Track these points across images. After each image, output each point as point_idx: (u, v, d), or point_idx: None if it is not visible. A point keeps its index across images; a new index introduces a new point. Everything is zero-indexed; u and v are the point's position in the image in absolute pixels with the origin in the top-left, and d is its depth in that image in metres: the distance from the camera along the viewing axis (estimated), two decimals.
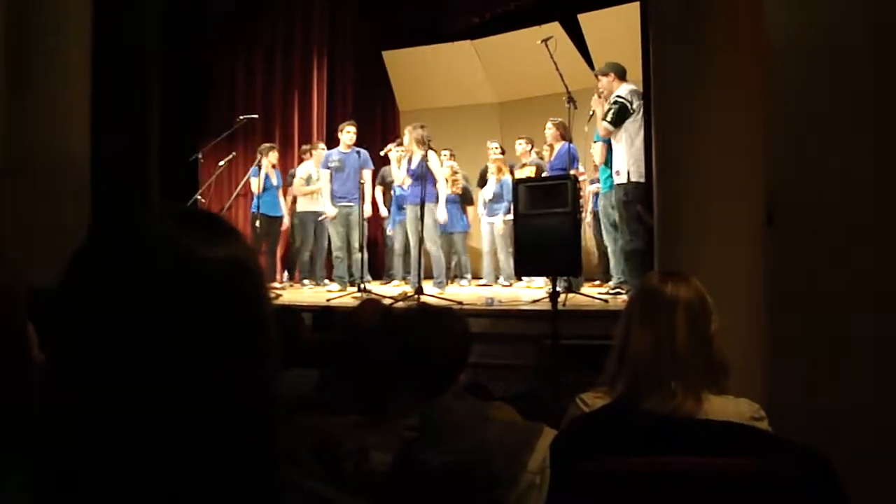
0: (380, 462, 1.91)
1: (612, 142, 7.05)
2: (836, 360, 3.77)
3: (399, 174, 8.73)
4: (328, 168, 8.74)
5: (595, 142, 7.77)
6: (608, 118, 6.88)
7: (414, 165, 8.14)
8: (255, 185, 8.94)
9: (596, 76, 7.42)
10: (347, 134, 8.84)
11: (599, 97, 7.29)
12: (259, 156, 9.08)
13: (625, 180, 6.79)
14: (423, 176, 7.97)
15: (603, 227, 7.59)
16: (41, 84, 5.01)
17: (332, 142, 11.30)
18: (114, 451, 0.73)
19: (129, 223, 0.80)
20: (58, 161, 5.03)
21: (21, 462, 0.88)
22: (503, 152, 9.41)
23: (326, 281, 9.50)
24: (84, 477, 0.73)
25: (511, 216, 8.28)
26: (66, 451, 0.74)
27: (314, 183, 9.36)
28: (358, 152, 8.83)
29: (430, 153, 8.15)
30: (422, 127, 8.30)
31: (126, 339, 0.74)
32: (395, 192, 9.48)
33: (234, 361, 0.78)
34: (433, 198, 8.15)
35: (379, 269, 10.54)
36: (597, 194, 8.37)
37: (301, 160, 10.00)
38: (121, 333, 0.74)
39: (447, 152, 9.81)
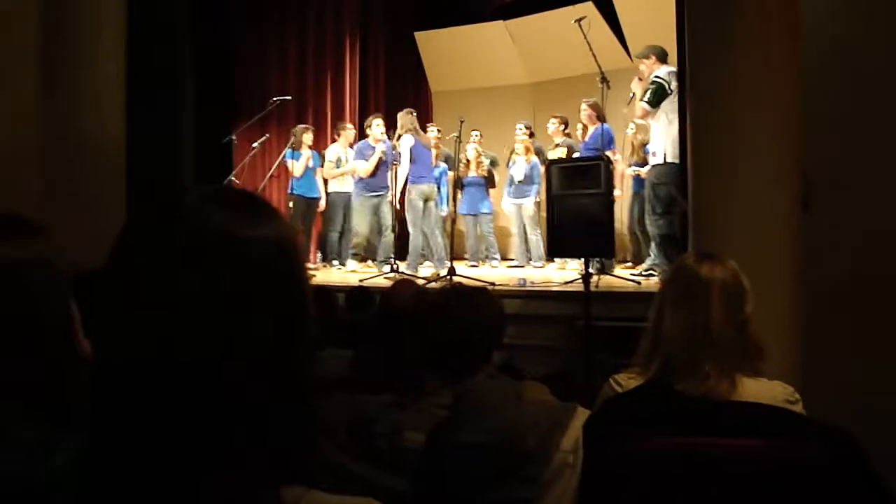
0: (413, 440, 1.92)
1: (651, 122, 6.99)
2: (872, 346, 3.74)
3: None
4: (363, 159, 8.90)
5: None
6: (646, 98, 6.82)
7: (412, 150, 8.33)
8: (292, 166, 8.95)
9: (633, 58, 7.36)
10: (378, 128, 8.94)
11: (640, 80, 7.24)
12: (293, 137, 9.11)
13: (661, 161, 6.73)
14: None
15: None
16: (76, 69, 5.07)
17: (363, 123, 11.33)
18: (158, 424, 0.75)
19: (170, 204, 0.82)
20: (94, 145, 5.09)
21: (68, 433, 0.90)
22: (531, 134, 9.35)
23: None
24: (131, 449, 0.75)
25: (541, 197, 8.33)
26: (113, 424, 0.76)
27: (343, 165, 9.41)
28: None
29: (406, 136, 8.23)
30: (410, 113, 8.55)
31: (170, 318, 0.75)
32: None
33: (275, 339, 0.80)
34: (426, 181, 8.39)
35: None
36: (638, 177, 8.32)
37: (334, 140, 10.03)
38: (165, 313, 0.75)
39: (476, 133, 9.82)
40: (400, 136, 8.45)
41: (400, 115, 8.52)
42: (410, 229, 8.31)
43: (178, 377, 0.75)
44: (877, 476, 1.77)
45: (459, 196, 9.62)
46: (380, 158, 8.69)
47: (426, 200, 8.28)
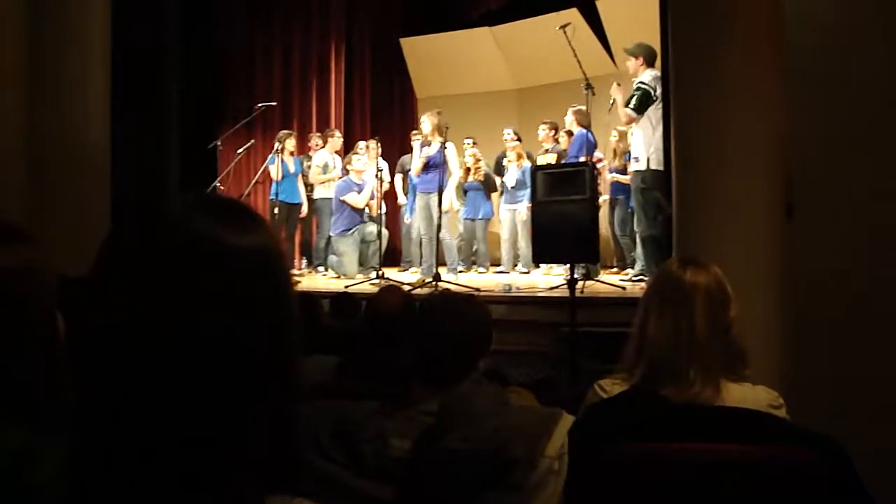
0: (399, 447, 1.92)
1: (634, 127, 6.99)
2: (855, 352, 3.76)
3: (415, 162, 8.75)
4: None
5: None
6: (631, 105, 6.80)
7: (433, 152, 8.16)
8: (275, 173, 8.95)
9: (623, 52, 7.30)
10: (358, 163, 9.17)
11: (619, 85, 7.24)
12: (277, 143, 9.11)
13: (643, 167, 6.75)
14: (441, 164, 8.10)
15: (635, 213, 7.49)
16: (62, 74, 5.04)
17: (348, 129, 11.35)
18: (142, 432, 0.75)
19: (155, 212, 0.82)
20: (79, 150, 5.07)
21: (56, 436, 0.90)
22: (519, 139, 9.37)
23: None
24: (114, 456, 0.75)
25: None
26: (96, 431, 0.76)
27: (330, 171, 9.42)
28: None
29: (449, 142, 8.21)
30: (439, 113, 8.36)
31: (155, 325, 0.75)
32: (411, 180, 9.51)
33: (261, 346, 0.79)
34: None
35: (396, 257, 10.56)
36: (617, 183, 8.32)
37: (309, 148, 10.00)
38: (150, 320, 0.75)
39: (470, 140, 9.83)
40: (437, 142, 8.34)
41: (429, 117, 8.34)
42: (446, 235, 8.33)
43: (163, 385, 0.75)
44: (860, 480, 1.78)
45: (463, 202, 9.67)
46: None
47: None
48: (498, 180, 9.61)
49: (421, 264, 8.63)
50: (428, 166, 8.21)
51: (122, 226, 0.83)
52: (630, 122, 6.95)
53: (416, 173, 8.82)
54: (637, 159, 6.86)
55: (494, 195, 9.78)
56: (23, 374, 1.19)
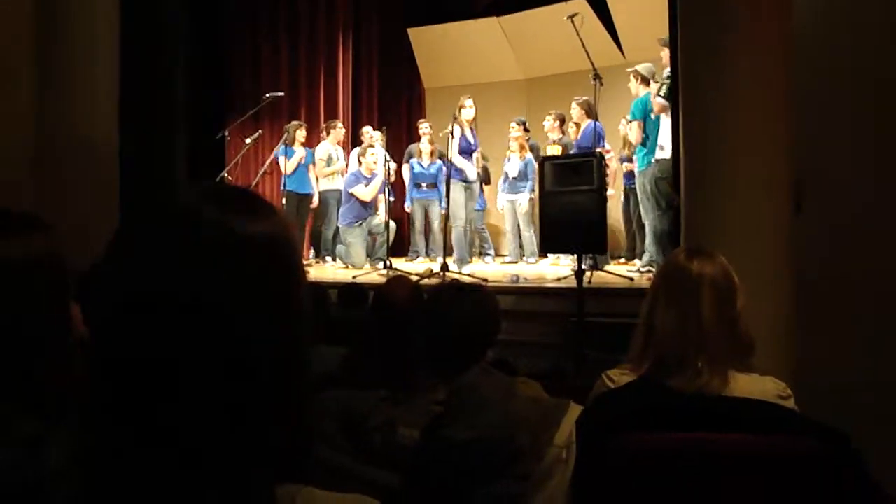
0: (407, 436, 1.93)
1: (662, 116, 6.96)
2: (863, 342, 3.75)
3: (455, 148, 8.69)
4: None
5: (630, 121, 7.68)
6: (662, 93, 6.82)
7: (472, 139, 8.42)
8: (284, 164, 8.95)
9: (658, 43, 7.29)
10: (371, 157, 9.16)
11: (636, 78, 7.27)
12: (286, 134, 9.10)
13: (668, 156, 6.71)
14: (474, 151, 8.44)
15: (641, 204, 7.49)
16: (70, 67, 5.05)
17: (356, 119, 11.34)
18: (154, 422, 0.75)
19: (166, 202, 0.82)
20: (87, 142, 5.07)
21: (60, 422, 0.91)
22: (526, 130, 9.34)
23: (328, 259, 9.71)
24: (127, 447, 0.75)
25: (535, 194, 8.34)
26: (110, 422, 0.77)
27: (334, 163, 9.42)
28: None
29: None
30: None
31: (167, 315, 0.75)
32: (413, 169, 9.47)
33: (272, 335, 0.80)
34: (472, 176, 8.54)
35: (406, 247, 10.55)
36: (630, 172, 8.28)
37: (320, 139, 10.00)
38: (162, 310, 0.76)
39: None
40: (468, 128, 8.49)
41: (472, 104, 8.60)
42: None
43: (175, 375, 0.75)
44: (867, 472, 1.78)
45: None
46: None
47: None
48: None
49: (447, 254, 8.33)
50: (468, 154, 8.24)
51: (133, 216, 0.83)
52: (661, 110, 6.93)
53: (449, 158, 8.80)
54: (662, 147, 6.85)
55: (488, 187, 9.85)
56: (35, 364, 1.19)
